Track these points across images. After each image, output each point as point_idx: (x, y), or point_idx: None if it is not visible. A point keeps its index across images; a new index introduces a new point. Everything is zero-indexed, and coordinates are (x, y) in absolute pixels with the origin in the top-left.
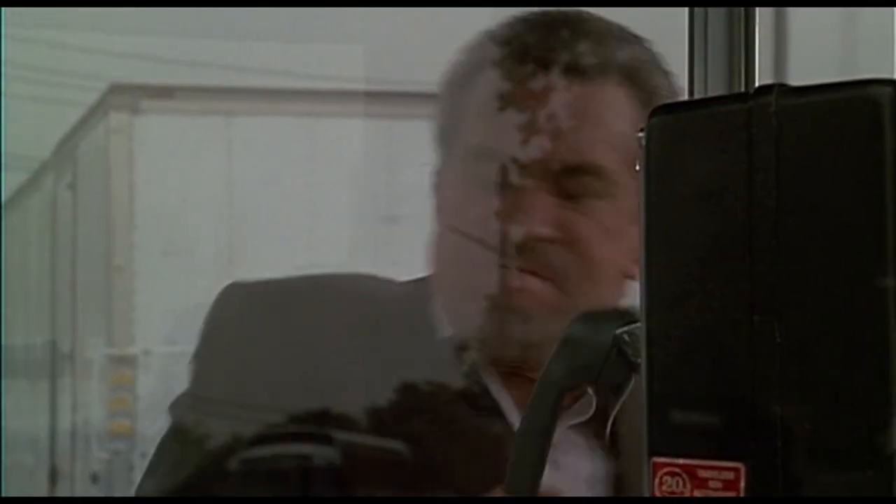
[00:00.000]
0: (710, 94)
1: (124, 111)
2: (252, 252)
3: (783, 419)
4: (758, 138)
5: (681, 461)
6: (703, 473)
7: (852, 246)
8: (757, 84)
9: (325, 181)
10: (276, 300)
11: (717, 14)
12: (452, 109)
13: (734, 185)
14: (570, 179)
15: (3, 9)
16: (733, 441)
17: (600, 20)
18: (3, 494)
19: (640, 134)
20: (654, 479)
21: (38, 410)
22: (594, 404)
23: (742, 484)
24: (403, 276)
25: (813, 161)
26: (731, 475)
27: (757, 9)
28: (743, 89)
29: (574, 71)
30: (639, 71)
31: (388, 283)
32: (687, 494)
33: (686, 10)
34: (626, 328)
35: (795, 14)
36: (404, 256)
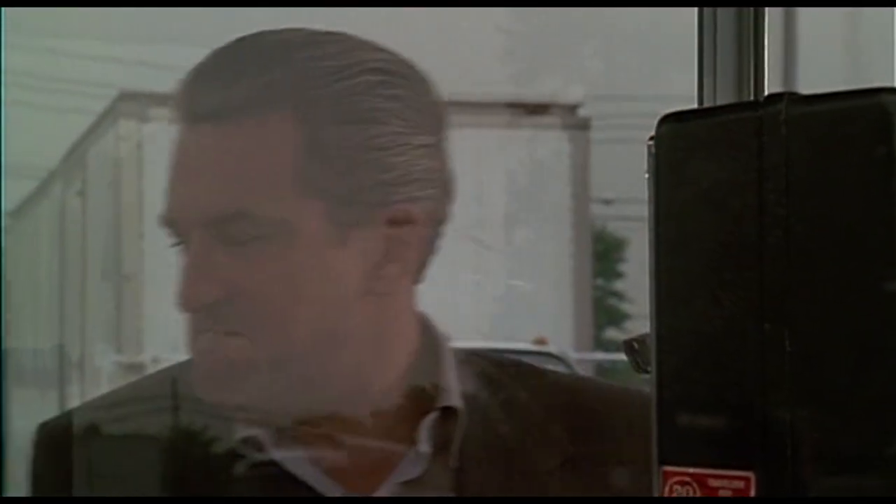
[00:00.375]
0: (719, 100)
1: (133, 119)
2: None
3: (793, 427)
4: (768, 146)
5: (691, 470)
6: (713, 483)
7: (862, 253)
8: (766, 91)
9: None
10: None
11: (726, 14)
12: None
13: (744, 192)
14: (232, 226)
15: (4, 19)
16: (743, 449)
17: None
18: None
19: (650, 142)
20: (664, 489)
21: (46, 417)
22: (426, 461)
23: (752, 493)
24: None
25: (823, 169)
26: (741, 484)
27: (766, 10)
28: (752, 96)
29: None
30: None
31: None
32: None
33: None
34: (635, 336)
35: (803, 16)
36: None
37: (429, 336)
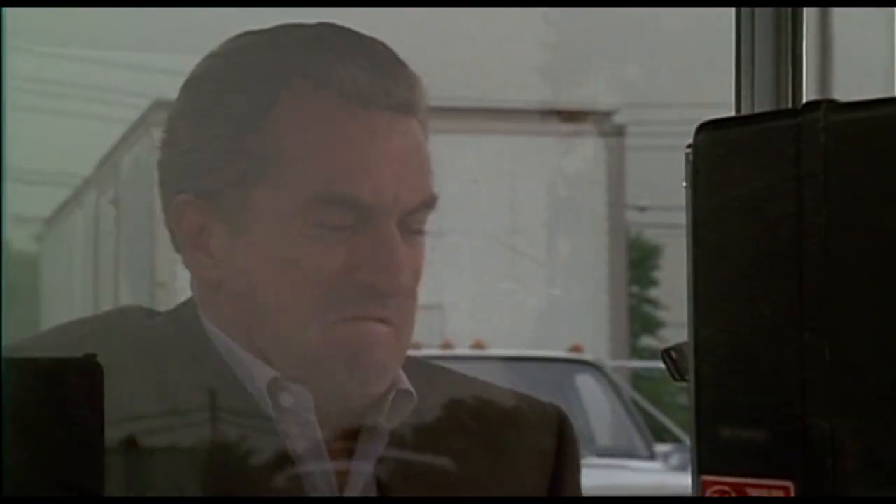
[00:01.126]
0: (757, 106)
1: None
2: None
3: (833, 436)
4: (806, 154)
5: (730, 479)
6: (752, 492)
7: None
8: (804, 95)
9: None
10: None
11: (763, 15)
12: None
13: (782, 200)
14: (414, 217)
15: (33, 25)
16: (783, 458)
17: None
18: None
19: (688, 150)
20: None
21: None
22: (386, 438)
23: None
24: (445, 289)
25: (861, 176)
26: (780, 493)
27: (804, 10)
28: (790, 100)
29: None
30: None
31: (153, 313)
32: None
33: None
34: (673, 345)
35: (839, 18)
36: (447, 271)
37: None
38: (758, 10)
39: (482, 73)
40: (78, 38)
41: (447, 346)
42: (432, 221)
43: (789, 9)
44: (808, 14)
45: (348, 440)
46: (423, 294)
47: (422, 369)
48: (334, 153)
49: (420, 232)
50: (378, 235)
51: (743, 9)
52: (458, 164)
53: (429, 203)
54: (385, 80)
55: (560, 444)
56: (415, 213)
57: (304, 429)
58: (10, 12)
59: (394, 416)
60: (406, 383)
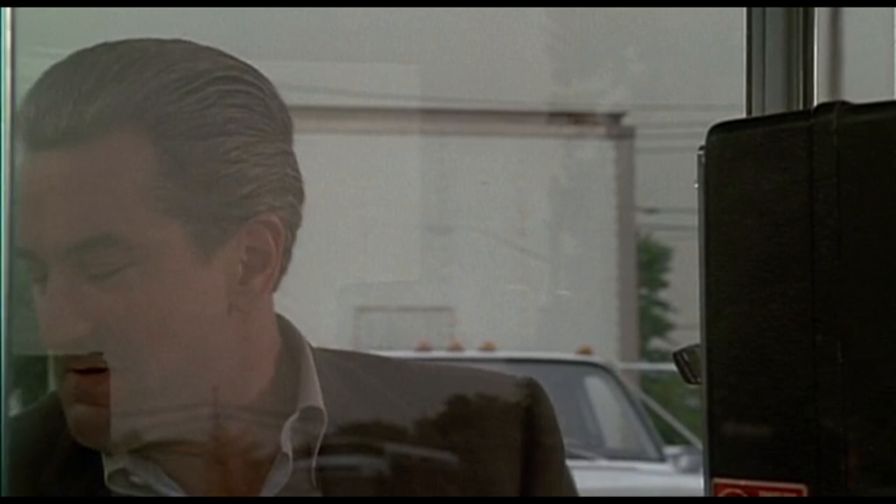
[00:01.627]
0: (768, 107)
1: None
2: (305, 267)
3: (846, 439)
4: (818, 156)
5: (742, 482)
6: (764, 495)
7: None
8: (816, 96)
9: (380, 196)
10: None
11: (774, 15)
12: None
13: (795, 203)
14: (86, 257)
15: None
16: (796, 461)
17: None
18: None
19: (700, 152)
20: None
21: None
22: (290, 465)
23: None
24: (454, 291)
25: (874, 179)
26: (792, 496)
27: (816, 11)
28: (801, 102)
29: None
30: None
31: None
32: None
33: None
34: (685, 347)
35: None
36: (457, 273)
37: (289, 340)
38: (769, 10)
39: (490, 75)
40: (88, 39)
41: (456, 347)
42: (441, 222)
43: (801, 9)
44: (820, 14)
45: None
46: (432, 296)
47: (377, 365)
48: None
49: (104, 275)
50: (45, 283)
51: (754, 9)
52: (467, 166)
53: (99, 240)
54: (51, 109)
55: (531, 408)
56: (81, 252)
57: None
58: (21, 14)
59: (299, 437)
60: (311, 399)
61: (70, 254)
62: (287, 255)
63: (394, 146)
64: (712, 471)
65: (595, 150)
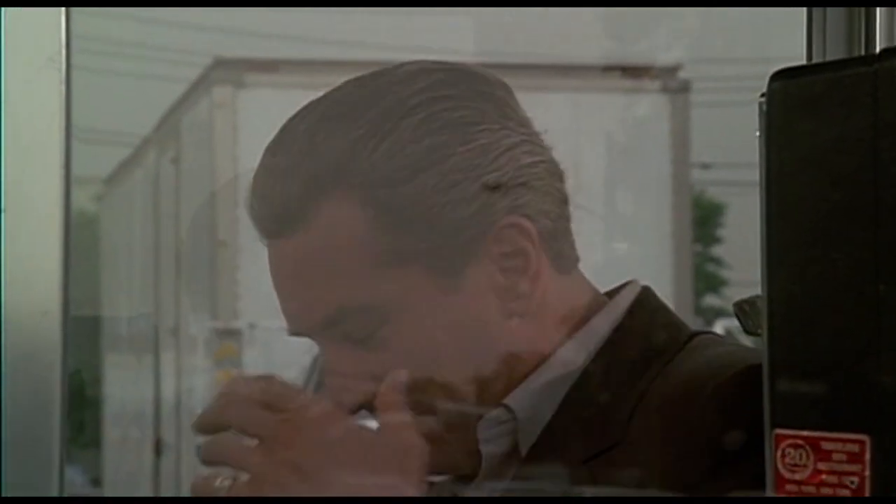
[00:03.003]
0: (829, 54)
1: (228, 85)
2: None
3: None
4: (883, 102)
5: (804, 433)
6: (826, 446)
7: None
8: (878, 45)
9: None
10: None
11: None
12: None
13: (858, 150)
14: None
15: None
16: (858, 412)
17: None
18: (101, 469)
19: (761, 99)
20: (776, 452)
21: (142, 384)
22: (482, 465)
23: (867, 456)
24: None
25: None
26: (855, 447)
27: None
28: (863, 50)
29: None
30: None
31: None
32: (810, 467)
33: None
34: (746, 298)
35: None
36: None
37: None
38: None
39: (544, 29)
40: None
41: None
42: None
43: None
44: None
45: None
46: None
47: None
48: None
49: (365, 338)
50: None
51: None
52: None
53: (343, 313)
54: (264, 199)
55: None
56: (334, 325)
57: None
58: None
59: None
60: (511, 399)
61: (326, 329)
62: (559, 233)
63: None
64: (773, 422)
65: (650, 105)
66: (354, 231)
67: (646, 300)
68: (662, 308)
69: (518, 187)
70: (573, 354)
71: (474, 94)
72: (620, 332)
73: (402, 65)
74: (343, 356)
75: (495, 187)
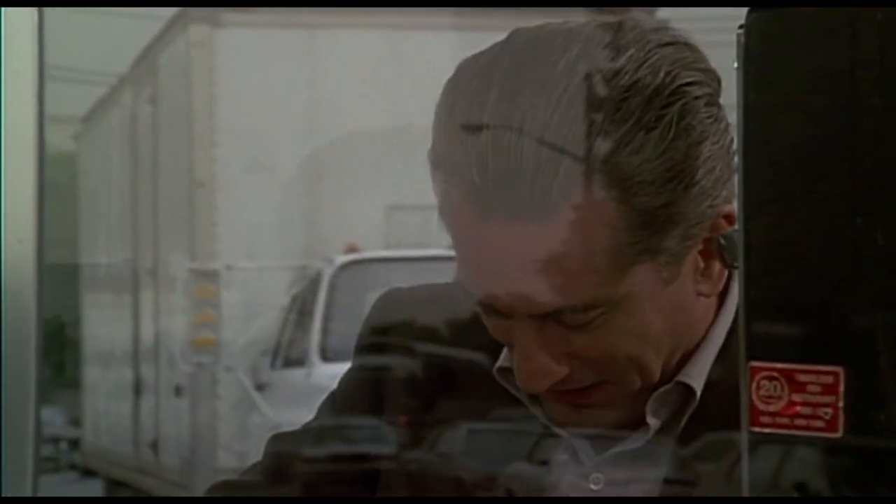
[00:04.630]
0: None
1: (205, 23)
2: (338, 167)
3: (884, 322)
4: (862, 35)
5: (779, 365)
6: (801, 378)
7: None
8: None
9: (410, 94)
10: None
11: None
12: None
13: (836, 82)
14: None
15: None
16: (833, 345)
17: None
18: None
19: (739, 31)
20: (751, 384)
21: (121, 324)
22: (649, 433)
23: (841, 388)
24: None
25: None
26: (830, 379)
27: None
28: None
29: None
30: None
31: None
32: (784, 399)
33: None
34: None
35: None
36: None
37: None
38: None
39: None
40: None
41: None
42: None
43: None
44: None
45: None
46: None
47: None
48: None
49: (580, 325)
50: (516, 331)
51: None
52: None
53: (576, 308)
54: (504, 179)
55: None
56: (557, 315)
57: None
58: None
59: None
60: (688, 378)
61: (546, 317)
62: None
63: (427, 41)
64: (748, 355)
65: None
66: (611, 228)
67: None
68: None
69: (731, 171)
70: (721, 329)
71: (703, 71)
72: None
73: (629, 29)
74: (545, 341)
75: (724, 181)
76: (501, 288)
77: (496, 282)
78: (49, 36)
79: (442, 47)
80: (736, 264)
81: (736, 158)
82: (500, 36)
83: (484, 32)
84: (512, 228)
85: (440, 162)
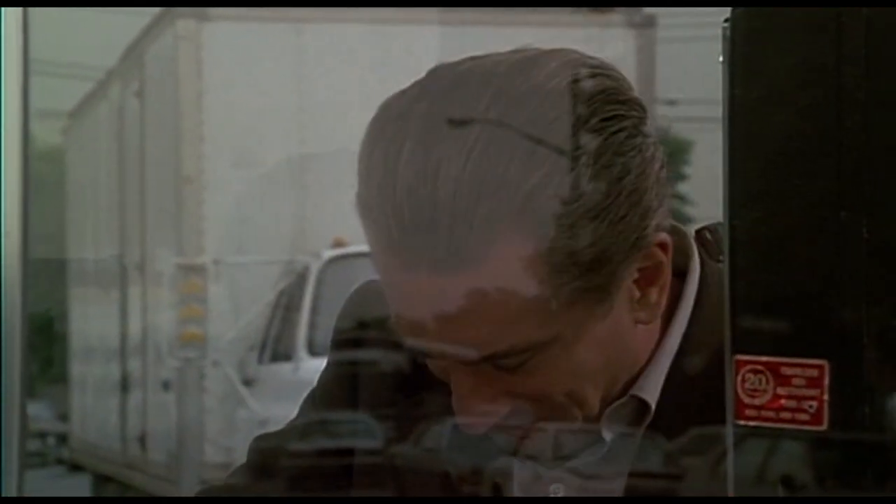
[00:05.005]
0: None
1: (192, 18)
2: (325, 162)
3: (869, 316)
4: (848, 28)
5: (764, 359)
6: (786, 371)
7: None
8: None
9: (398, 88)
10: None
11: None
12: None
13: (822, 77)
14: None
15: None
16: (818, 338)
17: None
18: (68, 404)
19: (725, 24)
20: (736, 377)
21: (108, 319)
22: (606, 446)
23: (826, 381)
24: None
25: None
26: (815, 372)
27: None
28: None
29: None
30: None
31: None
32: (769, 392)
33: None
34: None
35: None
36: None
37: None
38: None
39: None
40: None
41: None
42: None
43: None
44: None
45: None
46: None
47: None
48: None
49: (514, 367)
50: (453, 379)
51: None
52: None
53: (504, 354)
54: (419, 232)
55: None
56: (487, 362)
57: None
58: None
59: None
60: (643, 391)
61: (477, 364)
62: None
63: (412, 36)
64: (733, 348)
65: (616, 40)
66: (535, 274)
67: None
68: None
69: (662, 199)
70: (673, 341)
71: (624, 103)
72: (697, 312)
73: (546, 63)
74: (484, 381)
75: (654, 211)
76: (430, 338)
77: (424, 332)
78: (35, 30)
79: (430, 42)
80: (720, 258)
81: (662, 180)
82: (489, 30)
83: (467, 27)
84: (434, 282)
85: (363, 209)
